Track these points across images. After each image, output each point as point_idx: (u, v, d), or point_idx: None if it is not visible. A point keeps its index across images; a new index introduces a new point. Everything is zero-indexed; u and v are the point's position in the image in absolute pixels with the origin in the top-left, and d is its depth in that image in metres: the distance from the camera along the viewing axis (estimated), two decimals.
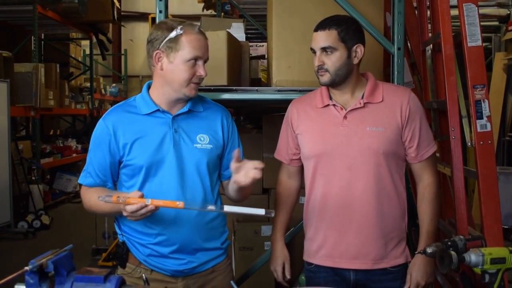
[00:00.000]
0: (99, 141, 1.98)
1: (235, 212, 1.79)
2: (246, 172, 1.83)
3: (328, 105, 2.10)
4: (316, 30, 2.06)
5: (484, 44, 2.47)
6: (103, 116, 2.02)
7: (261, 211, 1.71)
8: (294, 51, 2.66)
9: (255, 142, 3.63)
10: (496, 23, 7.79)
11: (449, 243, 1.90)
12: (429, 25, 3.10)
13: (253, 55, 4.07)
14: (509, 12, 7.43)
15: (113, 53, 13.76)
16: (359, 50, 2.05)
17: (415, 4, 3.45)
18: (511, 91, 6.76)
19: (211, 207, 1.79)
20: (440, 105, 2.80)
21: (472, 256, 1.85)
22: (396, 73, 2.52)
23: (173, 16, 5.59)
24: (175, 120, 1.97)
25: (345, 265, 2.08)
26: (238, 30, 3.49)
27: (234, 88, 2.66)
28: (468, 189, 5.22)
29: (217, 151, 2.02)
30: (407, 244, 2.16)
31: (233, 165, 1.85)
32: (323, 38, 2.03)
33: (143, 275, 1.88)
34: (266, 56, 3.96)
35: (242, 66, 3.02)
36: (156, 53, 1.93)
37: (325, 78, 2.05)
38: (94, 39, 10.36)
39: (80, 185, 2.04)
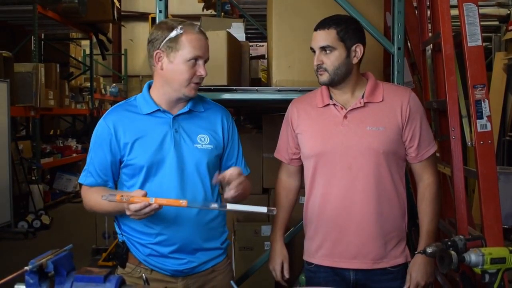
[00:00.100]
0: (100, 140, 1.98)
1: (237, 210, 1.80)
2: (229, 187, 1.83)
3: (328, 104, 2.10)
4: (315, 29, 2.07)
5: (484, 44, 2.47)
6: (104, 115, 2.02)
7: (263, 209, 1.73)
8: (294, 51, 2.66)
9: (255, 142, 3.63)
10: (496, 23, 7.79)
11: (449, 243, 1.90)
12: (429, 25, 3.10)
13: (253, 55, 4.07)
14: (509, 12, 7.43)
15: (113, 53, 13.76)
16: (358, 49, 2.05)
17: (415, 4, 3.45)
18: (511, 90, 6.75)
19: (214, 206, 1.80)
20: (440, 105, 2.80)
21: (472, 256, 1.85)
22: (396, 73, 2.52)
23: (173, 16, 5.59)
24: (175, 120, 1.97)
25: (344, 264, 2.08)
26: (238, 30, 3.49)
27: (234, 88, 2.66)
28: (468, 189, 5.23)
29: (217, 152, 2.02)
30: (407, 244, 2.16)
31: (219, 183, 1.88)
32: (322, 37, 2.03)
33: (143, 275, 1.88)
34: (266, 56, 3.96)
35: (242, 66, 3.02)
36: (157, 53, 1.93)
37: (324, 77, 2.05)
38: (94, 39, 10.36)
39: (81, 184, 2.04)
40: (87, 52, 11.12)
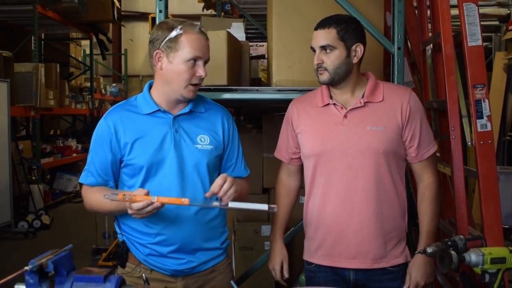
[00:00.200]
0: (100, 140, 1.98)
1: (239, 208, 1.81)
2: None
3: (328, 104, 2.10)
4: (316, 28, 2.07)
5: (484, 44, 2.47)
6: (104, 115, 2.02)
7: (264, 206, 1.74)
8: (294, 50, 2.65)
9: (255, 142, 3.63)
10: (496, 22, 7.79)
11: (449, 242, 1.90)
12: (429, 25, 3.09)
13: (253, 54, 4.06)
14: (509, 11, 7.43)
15: (113, 53, 13.76)
16: (358, 49, 2.05)
17: (415, 4, 3.45)
18: (511, 90, 6.76)
19: (215, 204, 1.81)
20: (440, 104, 2.80)
21: (472, 256, 1.85)
22: (396, 72, 2.52)
23: (173, 16, 5.58)
24: (176, 120, 1.97)
25: (344, 264, 2.08)
26: (238, 30, 3.49)
27: (234, 88, 2.66)
28: (468, 189, 5.22)
29: (217, 152, 2.02)
30: (407, 244, 2.16)
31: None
32: (323, 37, 2.03)
33: (143, 274, 1.88)
34: (266, 56, 3.96)
35: (242, 66, 3.02)
36: (156, 53, 1.93)
37: (324, 76, 2.05)
38: (94, 39, 10.36)
39: (81, 184, 2.04)
40: (87, 52, 11.12)
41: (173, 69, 1.91)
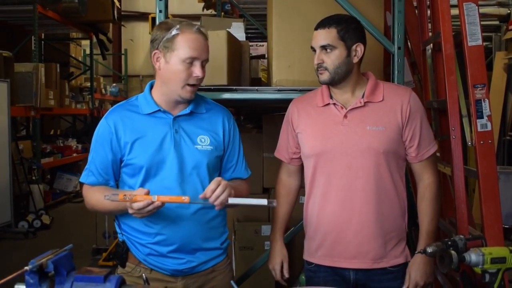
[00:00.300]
0: (101, 139, 1.98)
1: (238, 203, 1.82)
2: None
3: (328, 104, 2.10)
4: (316, 28, 2.07)
5: (484, 44, 2.47)
6: (105, 115, 2.02)
7: (263, 201, 1.76)
8: (294, 50, 2.65)
9: (255, 141, 3.63)
10: (497, 22, 7.79)
11: (450, 242, 1.90)
12: (429, 24, 3.09)
13: (253, 54, 4.07)
14: (509, 11, 7.43)
15: (113, 53, 13.76)
16: (359, 49, 2.05)
17: (415, 3, 3.45)
18: (511, 90, 6.76)
19: None
20: (441, 104, 2.80)
21: (473, 256, 1.85)
22: (396, 72, 2.52)
23: (173, 16, 5.58)
24: (176, 121, 1.97)
25: (344, 264, 2.08)
26: (238, 30, 3.49)
27: (234, 87, 2.66)
28: (468, 189, 5.22)
29: (217, 153, 2.01)
30: (407, 243, 2.15)
31: None
32: (323, 37, 2.03)
33: (143, 274, 1.88)
34: (266, 56, 3.96)
35: (242, 66, 3.02)
36: (155, 53, 1.93)
37: (324, 76, 2.05)
38: (94, 39, 10.36)
39: (82, 184, 2.04)
40: (87, 52, 11.12)
41: (170, 69, 1.91)
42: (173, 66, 1.90)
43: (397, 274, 2.09)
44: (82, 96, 10.45)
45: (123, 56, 14.31)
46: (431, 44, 2.99)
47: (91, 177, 1.99)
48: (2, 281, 1.17)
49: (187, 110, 1.98)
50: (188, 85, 1.91)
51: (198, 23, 2.53)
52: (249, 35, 5.54)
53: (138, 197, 1.71)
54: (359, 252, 2.06)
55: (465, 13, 2.41)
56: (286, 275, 2.22)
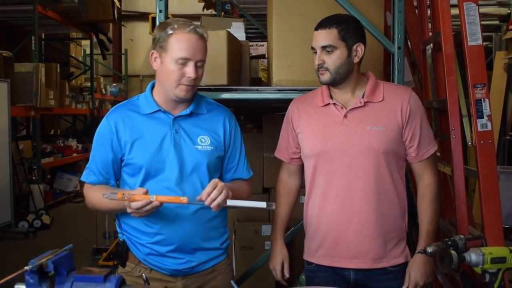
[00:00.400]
0: (102, 139, 1.99)
1: (237, 206, 1.82)
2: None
3: (328, 104, 2.10)
4: (316, 29, 2.06)
5: (484, 43, 2.46)
6: (107, 114, 2.03)
7: (262, 204, 1.76)
8: (294, 50, 2.65)
9: (255, 141, 3.63)
10: (497, 22, 7.80)
11: (450, 242, 1.90)
12: (430, 24, 3.09)
13: (253, 54, 4.06)
14: (509, 11, 7.43)
15: (113, 53, 13.77)
16: (359, 49, 2.05)
17: (415, 3, 3.44)
18: None
19: None
20: (441, 104, 2.79)
21: (473, 256, 1.85)
22: (396, 72, 2.52)
23: (173, 15, 5.58)
24: (176, 121, 1.97)
25: (344, 264, 2.08)
26: (238, 30, 3.49)
27: (234, 87, 2.66)
28: (468, 189, 5.22)
29: (218, 153, 2.01)
30: (407, 243, 2.15)
31: None
32: (324, 37, 2.03)
33: (143, 274, 1.88)
34: (266, 56, 3.96)
35: (242, 66, 3.02)
36: (152, 53, 1.95)
37: (326, 77, 2.05)
38: (95, 39, 10.36)
39: (83, 183, 2.05)
40: (88, 52, 11.12)
41: (164, 69, 1.91)
42: (167, 66, 1.90)
43: (397, 274, 2.09)
44: (82, 96, 10.45)
45: (123, 56, 14.32)
46: (431, 44, 2.99)
47: (92, 176, 2.00)
48: (2, 281, 1.17)
49: (187, 111, 1.98)
50: (182, 84, 1.90)
51: (198, 23, 2.53)
52: (249, 35, 5.54)
53: (137, 197, 1.72)
54: (359, 252, 2.06)
55: (465, 12, 2.41)
56: (287, 275, 2.22)
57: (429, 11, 3.07)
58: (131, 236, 2.00)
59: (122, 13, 12.92)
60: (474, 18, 2.41)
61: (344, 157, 2.04)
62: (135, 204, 1.72)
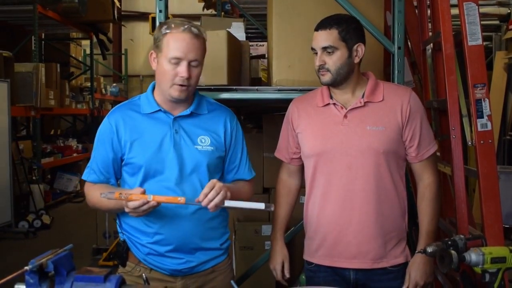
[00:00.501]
0: (102, 138, 2.00)
1: (235, 207, 1.82)
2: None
3: (328, 104, 2.10)
4: (316, 29, 2.06)
5: (484, 43, 2.46)
6: (108, 114, 2.04)
7: (260, 205, 1.75)
8: (294, 50, 2.65)
9: (255, 141, 3.63)
10: (497, 22, 7.80)
11: (450, 242, 1.90)
12: (430, 24, 3.09)
13: (253, 54, 4.06)
14: (509, 11, 7.43)
15: (113, 53, 13.77)
16: (359, 49, 2.05)
17: (415, 3, 3.44)
18: None
19: None
20: (441, 104, 2.79)
21: (473, 256, 1.85)
22: (396, 72, 2.52)
23: (173, 15, 5.59)
24: (176, 121, 1.97)
25: (344, 264, 2.08)
26: (238, 30, 3.49)
27: (234, 87, 2.65)
28: (468, 188, 5.22)
29: (218, 153, 2.01)
30: (407, 243, 2.15)
31: None
32: (324, 38, 2.02)
33: (143, 274, 1.88)
34: (266, 56, 3.96)
35: (242, 66, 3.02)
36: (151, 54, 1.96)
37: (327, 77, 2.04)
38: (95, 39, 10.36)
39: (83, 182, 2.06)
40: (88, 52, 11.12)
41: (159, 68, 1.92)
42: (161, 65, 1.90)
43: (397, 274, 2.09)
44: (82, 96, 10.46)
45: (123, 56, 14.32)
46: (431, 44, 2.99)
47: (92, 175, 2.01)
48: (2, 281, 1.17)
49: (188, 111, 1.98)
50: (176, 84, 1.90)
51: (198, 23, 2.53)
52: (249, 35, 5.54)
53: (134, 196, 1.73)
54: (359, 252, 2.06)
55: (465, 12, 2.41)
56: (287, 275, 2.22)
57: (429, 11, 3.07)
58: (131, 235, 2.00)
59: (122, 13, 12.91)
60: (474, 18, 2.41)
61: (344, 157, 2.04)
62: (132, 204, 1.73)
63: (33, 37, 7.86)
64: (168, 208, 1.88)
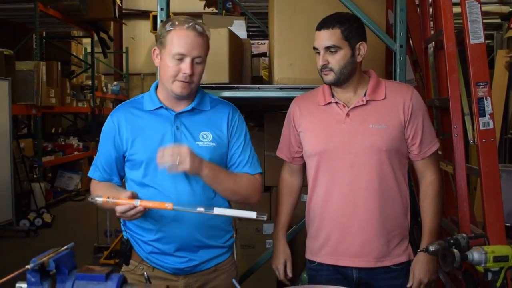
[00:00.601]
0: (105, 136, 2.02)
1: (225, 215, 1.80)
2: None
3: (330, 102, 2.09)
4: (319, 29, 2.05)
5: (486, 42, 2.46)
6: (111, 112, 2.06)
7: (252, 214, 1.70)
8: (295, 48, 2.65)
9: (257, 140, 3.60)
10: (498, 20, 7.79)
11: (452, 241, 1.89)
12: (431, 23, 3.09)
13: (254, 52, 4.06)
14: (511, 9, 7.42)
15: (114, 51, 13.77)
16: (362, 47, 2.04)
17: (417, 1, 3.44)
18: None
19: (200, 209, 1.75)
20: (443, 102, 2.79)
21: (475, 254, 1.85)
22: (398, 70, 2.51)
23: (175, 13, 5.57)
24: (177, 117, 1.97)
25: (347, 263, 2.07)
26: (239, 28, 3.48)
27: (235, 85, 2.65)
28: (470, 187, 5.22)
29: (220, 149, 2.00)
30: (409, 242, 2.15)
31: None
32: (327, 37, 2.01)
33: (145, 273, 1.88)
34: (267, 54, 3.95)
35: (244, 64, 3.01)
36: (154, 50, 1.96)
37: (330, 77, 2.03)
38: (96, 37, 10.36)
39: (85, 181, 2.07)
40: (89, 50, 11.13)
41: (162, 65, 1.93)
42: (164, 62, 1.91)
43: (400, 272, 2.09)
44: (83, 94, 10.45)
45: (124, 54, 14.31)
46: (433, 42, 2.98)
47: (96, 173, 2.04)
48: (4, 279, 1.17)
49: (189, 107, 1.98)
50: (179, 80, 1.90)
51: (200, 21, 2.53)
52: (250, 33, 5.54)
53: (121, 201, 1.74)
54: (363, 250, 2.05)
55: (467, 11, 2.40)
56: (290, 274, 2.22)
57: (431, 9, 3.06)
58: (134, 234, 2.00)
59: (123, 11, 12.92)
60: (476, 16, 2.40)
61: (347, 155, 2.03)
62: (119, 208, 1.75)
63: (34, 35, 7.87)
64: None
